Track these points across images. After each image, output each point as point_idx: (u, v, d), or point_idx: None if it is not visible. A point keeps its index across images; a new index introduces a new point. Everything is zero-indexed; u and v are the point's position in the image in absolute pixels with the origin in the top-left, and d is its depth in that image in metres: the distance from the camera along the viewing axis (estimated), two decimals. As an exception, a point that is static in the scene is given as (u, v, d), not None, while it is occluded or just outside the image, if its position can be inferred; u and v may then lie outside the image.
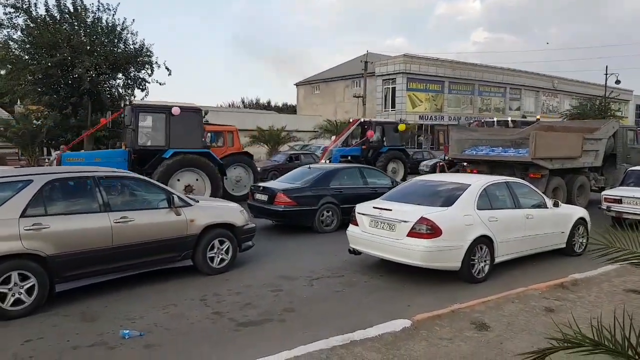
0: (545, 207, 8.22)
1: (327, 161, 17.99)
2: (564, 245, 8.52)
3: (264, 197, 10.69)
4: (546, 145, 12.30)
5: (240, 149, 16.77)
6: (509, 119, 21.06)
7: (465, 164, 14.24)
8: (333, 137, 21.98)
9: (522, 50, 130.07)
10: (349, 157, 19.47)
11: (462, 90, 46.77)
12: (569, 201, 12.64)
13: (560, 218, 8.41)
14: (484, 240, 6.95)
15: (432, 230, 6.46)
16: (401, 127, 21.38)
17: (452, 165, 15.66)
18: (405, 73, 42.18)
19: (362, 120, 21.30)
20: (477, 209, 7.02)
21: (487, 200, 7.27)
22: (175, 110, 12.69)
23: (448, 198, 7.13)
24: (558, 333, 2.50)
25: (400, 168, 20.77)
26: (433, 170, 22.42)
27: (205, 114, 18.16)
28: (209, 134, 16.41)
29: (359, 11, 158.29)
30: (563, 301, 6.07)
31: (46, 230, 5.65)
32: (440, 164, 19.49)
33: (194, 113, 13.49)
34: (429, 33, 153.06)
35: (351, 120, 21.93)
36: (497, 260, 7.21)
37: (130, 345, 4.83)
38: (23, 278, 5.51)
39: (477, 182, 7.49)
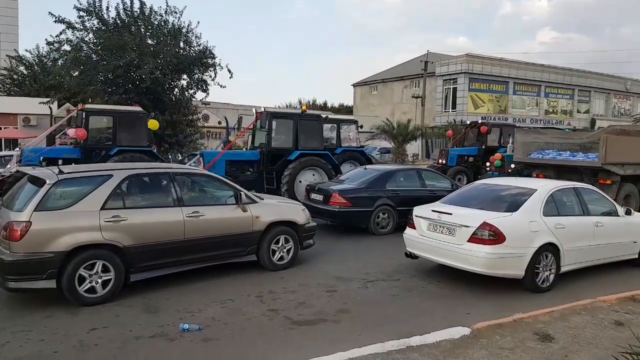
0: (616, 215, 7.76)
1: (17, 164, 13.10)
2: (636, 256, 8.01)
3: (319, 197, 10.71)
4: (618, 150, 11.59)
5: None
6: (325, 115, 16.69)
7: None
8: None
9: (591, 50, 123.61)
10: (60, 161, 13.25)
11: (527, 91, 45.02)
12: (643, 210, 11.87)
13: (632, 227, 7.91)
14: (550, 248, 6.62)
15: (494, 236, 6.22)
16: (152, 123, 15.15)
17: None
18: (467, 73, 41.11)
19: (80, 107, 14.61)
20: (543, 215, 6.70)
21: (554, 206, 6.93)
22: None
23: (512, 203, 6.85)
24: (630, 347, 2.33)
25: None
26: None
27: None
28: None
29: (420, 11, 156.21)
30: (634, 315, 5.71)
31: (124, 223, 5.98)
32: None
33: None
34: (493, 33, 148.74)
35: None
36: (563, 269, 6.85)
37: (189, 338, 4.96)
38: (105, 270, 5.84)
39: (544, 187, 7.16)
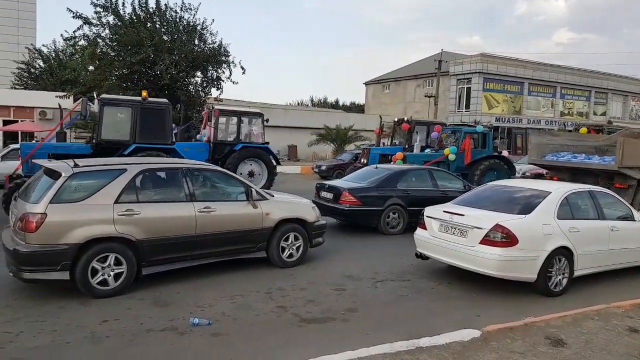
0: (633, 219, 7.66)
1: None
2: (652, 262, 7.87)
3: (329, 196, 10.70)
4: (635, 154, 11.42)
5: None
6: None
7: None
8: None
9: (609, 52, 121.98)
10: None
11: (542, 92, 44.53)
12: (660, 215, 11.68)
13: (648, 233, 7.77)
14: (563, 252, 6.55)
15: (507, 239, 6.16)
16: None
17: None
18: (481, 73, 40.74)
19: None
20: (557, 218, 6.62)
21: (568, 209, 6.85)
22: None
23: (526, 205, 6.78)
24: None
25: None
26: None
27: None
28: None
29: (433, 8, 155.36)
30: (649, 322, 5.61)
31: (137, 216, 6.04)
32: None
33: None
34: (508, 33, 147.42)
35: None
36: (576, 273, 6.78)
37: (199, 332, 4.99)
38: (117, 263, 5.91)
39: (558, 189, 7.08)
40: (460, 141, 16.65)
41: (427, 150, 17.67)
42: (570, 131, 18.04)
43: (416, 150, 17.58)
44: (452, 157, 16.09)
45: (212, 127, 14.72)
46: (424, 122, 20.06)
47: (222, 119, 15.16)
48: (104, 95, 12.57)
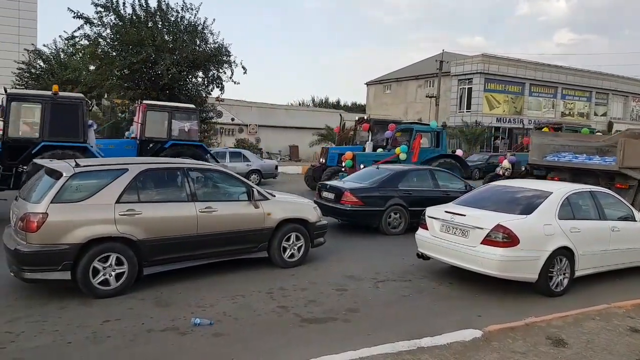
0: (633, 219, 7.66)
1: None
2: (653, 262, 7.86)
3: (331, 196, 10.70)
4: (636, 154, 11.41)
5: None
6: None
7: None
8: None
9: (610, 52, 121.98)
10: None
11: (543, 92, 44.53)
12: (661, 215, 11.67)
13: (649, 233, 7.76)
14: (565, 252, 6.56)
15: (508, 239, 6.17)
16: None
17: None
18: (483, 73, 40.77)
19: None
20: (559, 218, 6.63)
21: (569, 209, 6.86)
22: None
23: (527, 205, 6.78)
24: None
25: None
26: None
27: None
28: None
29: (434, 9, 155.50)
30: (650, 322, 5.61)
31: (138, 216, 6.04)
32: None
33: None
34: (509, 33, 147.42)
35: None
36: (577, 273, 6.78)
37: (200, 332, 4.99)
38: (118, 263, 5.91)
39: (560, 190, 7.09)
40: (411, 140, 16.44)
41: (380, 150, 17.39)
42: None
43: (368, 150, 17.26)
44: (402, 156, 15.83)
45: (139, 122, 14.11)
46: (383, 121, 19.73)
47: (152, 115, 14.27)
48: (11, 90, 11.95)
